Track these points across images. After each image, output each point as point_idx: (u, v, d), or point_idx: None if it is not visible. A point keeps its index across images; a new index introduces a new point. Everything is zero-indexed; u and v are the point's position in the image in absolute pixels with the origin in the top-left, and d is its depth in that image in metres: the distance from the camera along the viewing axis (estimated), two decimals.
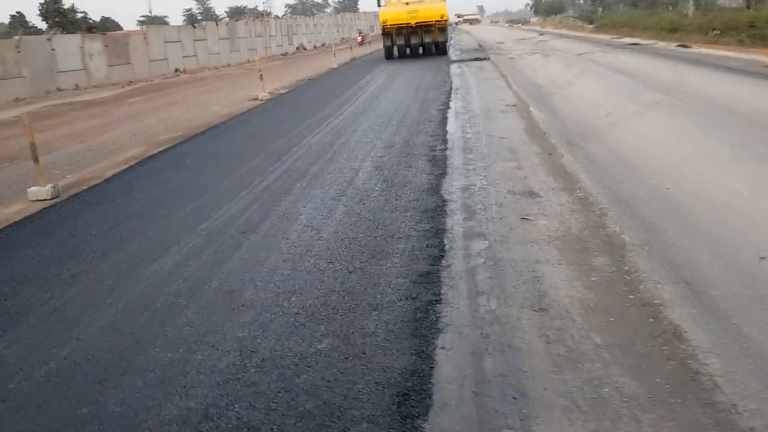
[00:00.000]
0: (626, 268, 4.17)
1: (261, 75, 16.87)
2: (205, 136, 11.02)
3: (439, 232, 5.09)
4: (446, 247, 4.74)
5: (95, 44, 27.24)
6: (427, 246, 4.79)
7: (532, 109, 10.91)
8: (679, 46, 22.96)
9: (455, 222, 5.33)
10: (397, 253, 4.69)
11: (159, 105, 17.26)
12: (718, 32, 32.81)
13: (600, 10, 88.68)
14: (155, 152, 9.78)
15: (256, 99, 16.13)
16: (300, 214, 5.85)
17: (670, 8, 66.17)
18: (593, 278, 4.04)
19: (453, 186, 6.43)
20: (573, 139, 8.29)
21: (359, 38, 47.36)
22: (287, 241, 5.14)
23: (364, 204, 6.02)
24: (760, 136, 7.48)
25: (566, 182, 6.31)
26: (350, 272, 4.38)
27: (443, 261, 4.49)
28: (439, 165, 7.34)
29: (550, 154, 7.56)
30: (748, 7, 49.94)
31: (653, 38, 33.93)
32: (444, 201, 5.94)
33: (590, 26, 64.99)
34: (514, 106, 11.43)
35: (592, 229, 4.94)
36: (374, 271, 4.37)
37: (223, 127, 11.85)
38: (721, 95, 10.63)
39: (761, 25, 28.52)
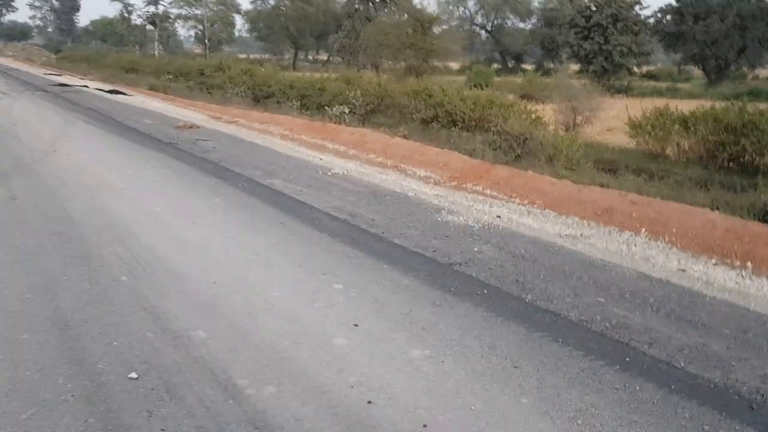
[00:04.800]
0: None
1: None
2: None
3: None
4: None
5: None
6: None
7: None
8: (111, 91, 20.06)
9: None
10: None
11: None
12: (171, 76, 31.93)
13: (69, 41, 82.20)
14: None
15: None
16: None
17: (137, 48, 65.28)
18: None
19: None
20: None
21: None
22: None
23: None
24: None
25: None
26: None
27: None
28: None
29: None
30: (206, 55, 52.47)
31: (108, 78, 30.65)
32: None
33: (54, 56, 58.96)
34: None
35: None
36: None
37: None
38: (95, 180, 7.51)
39: (209, 73, 28.55)
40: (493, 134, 14.22)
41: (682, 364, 3.61)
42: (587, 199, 8.26)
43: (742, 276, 5.38)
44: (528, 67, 47.19)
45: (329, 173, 8.73)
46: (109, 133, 11.19)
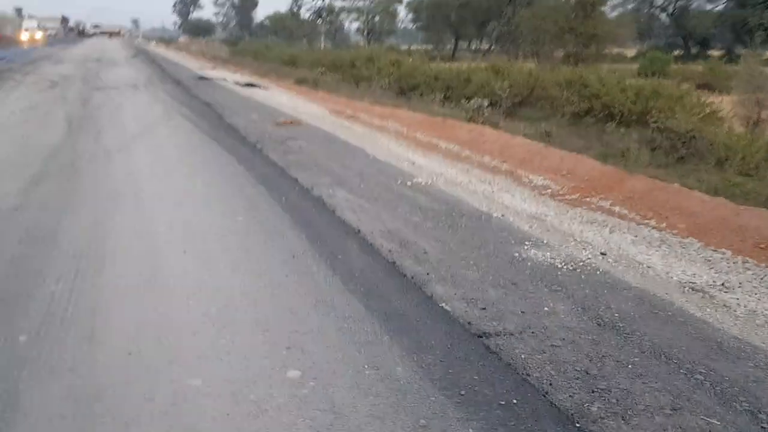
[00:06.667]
0: None
1: None
2: None
3: None
4: None
5: None
6: None
7: None
8: (247, 84, 20.09)
9: None
10: None
11: None
12: (324, 69, 32.02)
13: (247, 35, 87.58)
14: None
15: None
16: None
17: (305, 41, 67.66)
18: None
19: None
20: None
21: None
22: None
23: None
24: None
25: None
26: None
27: None
28: None
29: None
30: (366, 47, 52.66)
31: (262, 71, 31.47)
32: None
33: (229, 51, 62.75)
34: None
35: None
36: None
37: None
38: None
39: (360, 65, 28.15)
40: (653, 131, 11.90)
41: None
42: (748, 225, 5.97)
43: None
44: (715, 53, 41.33)
45: (410, 182, 7.23)
46: (198, 131, 10.59)
